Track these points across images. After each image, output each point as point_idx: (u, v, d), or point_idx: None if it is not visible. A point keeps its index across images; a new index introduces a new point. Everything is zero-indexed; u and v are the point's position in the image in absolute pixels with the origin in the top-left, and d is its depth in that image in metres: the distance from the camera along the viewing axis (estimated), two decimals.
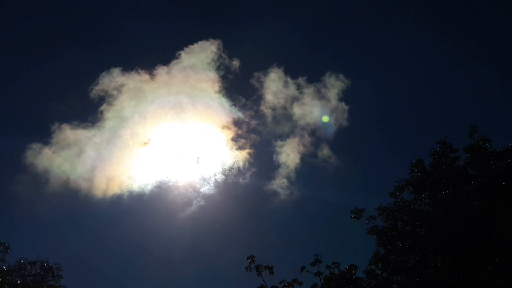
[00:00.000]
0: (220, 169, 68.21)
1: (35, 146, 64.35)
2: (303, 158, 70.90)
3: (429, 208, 40.67)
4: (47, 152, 64.41)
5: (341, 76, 71.75)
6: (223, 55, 69.62)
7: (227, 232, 73.08)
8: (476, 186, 39.55)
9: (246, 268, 38.85)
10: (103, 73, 67.50)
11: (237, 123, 69.70)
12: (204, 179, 68.23)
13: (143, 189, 66.36)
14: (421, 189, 41.04)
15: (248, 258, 39.03)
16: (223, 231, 72.70)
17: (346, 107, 71.47)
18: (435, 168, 41.03)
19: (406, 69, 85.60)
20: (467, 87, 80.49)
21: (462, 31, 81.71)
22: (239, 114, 69.90)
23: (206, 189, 67.96)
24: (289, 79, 71.09)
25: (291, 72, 72.02)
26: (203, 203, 67.59)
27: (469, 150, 40.38)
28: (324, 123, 71.52)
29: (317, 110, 71.01)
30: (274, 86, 70.74)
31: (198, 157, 68.45)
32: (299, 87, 71.36)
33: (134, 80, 67.78)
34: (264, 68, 71.64)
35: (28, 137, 69.33)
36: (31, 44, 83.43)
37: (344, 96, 71.67)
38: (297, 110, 70.97)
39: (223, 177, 68.28)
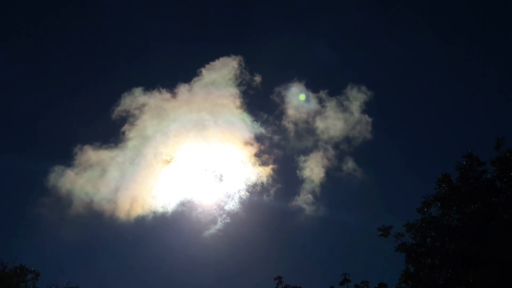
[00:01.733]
0: (244, 186, 67.67)
1: (58, 168, 64.82)
2: (327, 172, 69.89)
3: (458, 223, 40.76)
4: (70, 174, 64.90)
5: (363, 88, 70.82)
6: (244, 71, 69.67)
7: (252, 250, 71.99)
8: (505, 199, 39.47)
9: None
10: (125, 93, 67.71)
11: (259, 138, 69.09)
12: (228, 197, 67.64)
13: (167, 208, 65.92)
14: (449, 204, 41.26)
15: (275, 279, 39.41)
16: (248, 249, 71.82)
17: (369, 120, 70.61)
18: (463, 182, 41.23)
19: (430, 81, 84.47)
20: (493, 98, 78.62)
21: (487, 43, 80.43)
22: (261, 130, 69.34)
23: (230, 206, 67.21)
24: (310, 93, 71.10)
25: (312, 86, 71.64)
26: (229, 221, 66.79)
27: (496, 162, 40.32)
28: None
29: (340, 123, 70.53)
30: (296, 101, 70.88)
31: (221, 174, 67.88)
32: (321, 100, 71.24)
33: (156, 99, 67.93)
34: (285, 83, 71.52)
35: (51, 160, 68.90)
36: (50, 68, 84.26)
37: (367, 108, 70.87)
38: (319, 124, 70.59)
39: (247, 193, 67.62)
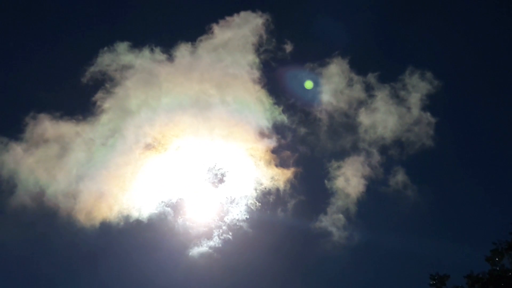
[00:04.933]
0: (253, 192, 60.12)
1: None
2: (368, 186, 61.00)
3: None
4: (16, 150, 57.87)
5: (428, 75, 62.33)
6: (270, 34, 63.07)
7: (256, 283, 61.15)
8: None
9: None
10: (104, 48, 60.94)
11: (279, 129, 62.12)
12: (231, 203, 60.10)
13: (145, 213, 58.11)
14: None
15: None
16: (250, 281, 60.79)
17: (432, 120, 62.05)
18: None
19: None
20: None
21: None
22: (283, 118, 62.30)
23: (232, 218, 59.57)
24: (354, 75, 63.00)
25: (359, 65, 63.35)
26: (229, 237, 59.11)
27: None
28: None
29: (392, 120, 62.63)
30: (334, 83, 63.13)
31: (224, 173, 60.58)
32: (368, 87, 63.33)
33: (145, 61, 61.50)
34: (322, 57, 63.39)
35: None
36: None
37: (431, 104, 62.31)
38: (363, 119, 63.04)
39: (257, 203, 59.68)
